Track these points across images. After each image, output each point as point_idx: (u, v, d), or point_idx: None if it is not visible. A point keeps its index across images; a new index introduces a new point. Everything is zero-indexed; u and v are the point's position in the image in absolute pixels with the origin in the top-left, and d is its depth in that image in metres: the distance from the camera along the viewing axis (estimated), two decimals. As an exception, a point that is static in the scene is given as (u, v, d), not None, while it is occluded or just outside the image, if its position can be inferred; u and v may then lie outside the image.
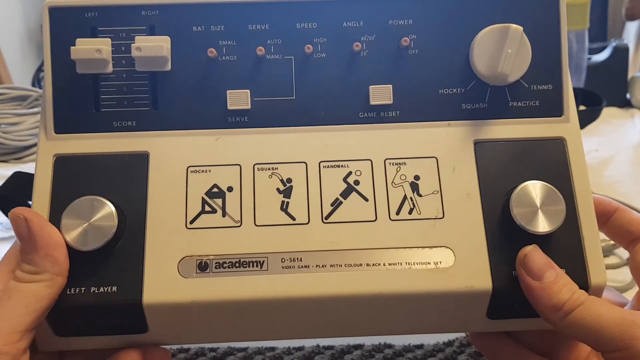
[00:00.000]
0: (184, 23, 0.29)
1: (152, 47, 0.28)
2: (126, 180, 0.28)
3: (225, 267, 0.27)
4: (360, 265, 0.27)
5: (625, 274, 0.46)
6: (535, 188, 0.27)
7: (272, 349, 0.39)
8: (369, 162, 0.29)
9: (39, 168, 0.28)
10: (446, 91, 0.29)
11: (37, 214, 0.26)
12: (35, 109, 0.75)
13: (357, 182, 0.28)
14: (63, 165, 0.28)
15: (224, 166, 0.28)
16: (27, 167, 0.68)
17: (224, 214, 0.28)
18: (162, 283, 0.26)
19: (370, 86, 0.29)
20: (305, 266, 0.27)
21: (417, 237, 0.27)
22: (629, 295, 0.32)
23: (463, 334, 0.39)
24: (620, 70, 0.83)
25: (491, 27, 0.28)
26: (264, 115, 0.29)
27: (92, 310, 0.26)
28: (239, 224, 0.27)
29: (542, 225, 0.26)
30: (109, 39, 0.29)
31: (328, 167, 0.28)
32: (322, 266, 0.27)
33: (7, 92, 0.75)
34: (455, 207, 0.28)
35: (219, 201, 0.28)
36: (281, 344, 0.39)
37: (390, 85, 0.29)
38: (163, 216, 0.27)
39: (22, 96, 0.76)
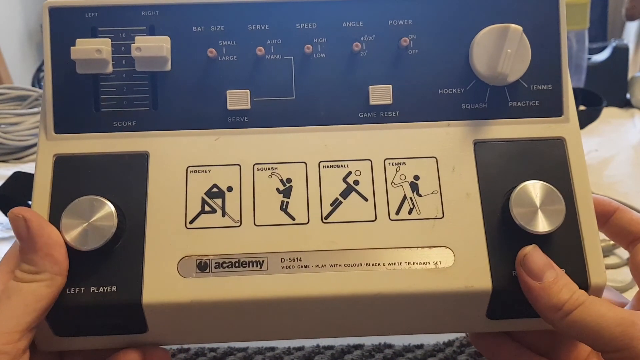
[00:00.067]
0: (183, 23, 0.29)
1: (152, 47, 0.28)
2: (126, 180, 0.28)
3: (224, 267, 0.27)
4: (360, 265, 0.27)
5: (625, 274, 0.46)
6: (535, 188, 0.27)
7: (272, 349, 0.39)
8: (369, 162, 0.29)
9: (39, 168, 0.28)
10: (446, 91, 0.29)
11: (36, 213, 0.26)
12: (35, 109, 0.75)
13: (356, 182, 0.28)
14: (63, 165, 0.28)
15: (223, 166, 0.28)
16: (27, 167, 0.68)
17: (223, 214, 0.28)
18: (162, 283, 0.26)
19: (370, 86, 0.29)
20: (305, 266, 0.27)
21: (417, 237, 0.27)
22: (629, 295, 0.32)
23: (463, 334, 0.39)
24: (620, 70, 0.83)
25: (491, 27, 0.28)
26: (263, 115, 0.29)
27: (92, 310, 0.26)
28: (238, 224, 0.27)
29: (542, 225, 0.26)
30: (109, 39, 0.29)
31: (328, 167, 0.28)
32: (322, 266, 0.27)
33: (7, 92, 0.75)
34: (455, 207, 0.28)
35: (219, 201, 0.28)
36: (281, 344, 0.39)
37: (390, 85, 0.29)
38: (163, 216, 0.27)
39: (22, 96, 0.76)
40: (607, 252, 0.48)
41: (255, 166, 0.28)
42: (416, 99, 0.29)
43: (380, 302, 0.27)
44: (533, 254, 0.26)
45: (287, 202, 0.28)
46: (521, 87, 0.29)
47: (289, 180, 0.28)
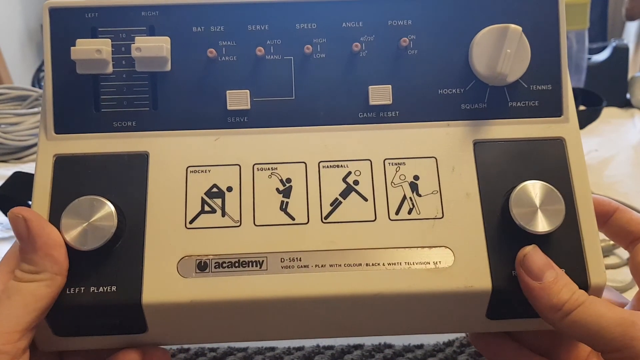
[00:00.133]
0: (183, 23, 0.29)
1: (152, 47, 0.28)
2: (126, 180, 0.28)
3: (224, 267, 0.27)
4: (360, 265, 0.27)
5: (625, 274, 0.46)
6: (534, 188, 0.27)
7: (272, 349, 0.39)
8: (369, 162, 0.29)
9: (39, 168, 0.28)
10: (445, 91, 0.29)
11: (36, 213, 0.26)
12: (35, 109, 0.75)
13: (356, 182, 0.28)
14: (63, 165, 0.28)
15: (223, 166, 0.28)
16: (27, 167, 0.68)
17: (223, 214, 0.28)
18: (162, 283, 0.26)
19: (370, 86, 0.29)
20: (305, 266, 0.27)
21: (417, 237, 0.27)
22: (629, 295, 0.32)
23: (463, 334, 0.39)
24: (620, 70, 0.83)
25: (490, 27, 0.28)
26: (263, 115, 0.29)
27: (92, 310, 0.26)
28: (238, 224, 0.27)
29: (542, 225, 0.26)
30: (109, 40, 0.29)
31: (327, 167, 0.28)
32: (322, 266, 0.27)
33: (7, 92, 0.75)
34: (455, 207, 0.28)
35: (219, 201, 0.28)
36: (281, 344, 0.39)
37: (390, 86, 0.29)
38: (162, 216, 0.27)
39: (22, 96, 0.76)
40: (607, 252, 0.48)
41: (255, 166, 0.28)
42: (416, 99, 0.29)
43: (380, 302, 0.27)
44: (533, 254, 0.26)
45: (287, 202, 0.28)
46: (521, 87, 0.29)
47: (288, 180, 0.28)
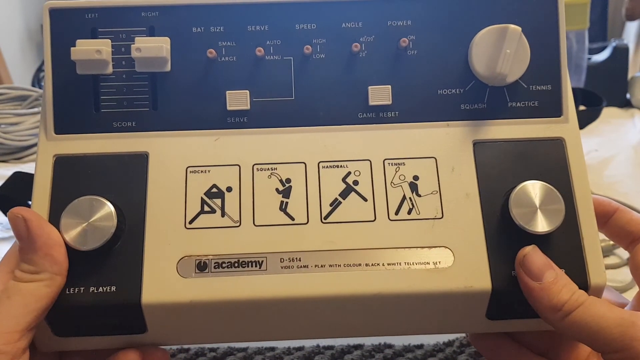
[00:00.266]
0: (183, 24, 0.29)
1: (152, 48, 0.28)
2: (126, 180, 0.28)
3: (224, 267, 0.27)
4: (359, 265, 0.27)
5: (625, 274, 0.46)
6: (534, 188, 0.27)
7: (272, 349, 0.39)
8: (368, 162, 0.29)
9: (39, 168, 0.28)
10: (445, 92, 0.29)
11: (35, 213, 0.26)
12: (35, 109, 0.75)
13: (356, 182, 0.28)
14: (63, 165, 0.28)
15: (223, 166, 0.28)
16: (27, 167, 0.69)
17: (223, 214, 0.28)
18: (161, 283, 0.26)
19: (370, 87, 0.29)
20: (304, 266, 0.27)
21: (416, 237, 0.27)
22: (629, 296, 0.32)
23: (463, 334, 0.39)
24: (620, 70, 0.83)
25: (490, 27, 0.28)
26: (263, 115, 0.29)
27: (91, 310, 0.26)
28: (238, 224, 0.27)
29: (542, 225, 0.26)
30: (109, 40, 0.29)
31: (327, 167, 0.28)
32: (321, 266, 0.27)
33: (7, 92, 0.75)
34: (455, 207, 0.28)
35: (218, 201, 0.28)
36: (281, 344, 0.39)
37: (389, 86, 0.29)
38: (162, 216, 0.27)
39: (22, 96, 0.76)
40: (607, 252, 0.48)
41: (255, 166, 0.28)
42: (415, 100, 0.29)
43: (379, 302, 0.27)
44: (532, 255, 0.26)
45: (287, 202, 0.28)
46: (520, 87, 0.29)
47: (288, 180, 0.28)
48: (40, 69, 1.06)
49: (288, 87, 0.29)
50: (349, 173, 0.28)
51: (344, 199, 0.28)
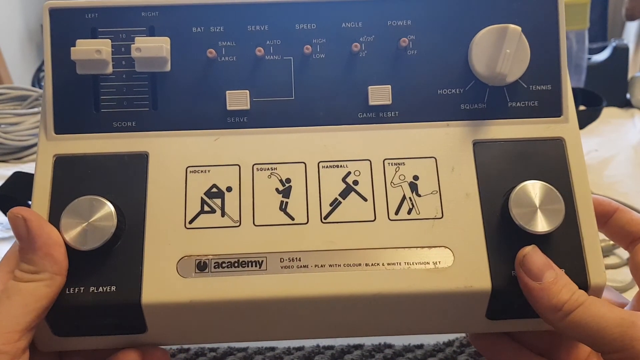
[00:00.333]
0: (183, 24, 0.29)
1: (152, 47, 0.28)
2: (125, 180, 0.28)
3: (224, 267, 0.27)
4: (359, 265, 0.27)
5: (625, 274, 0.46)
6: (534, 188, 0.27)
7: (272, 349, 0.39)
8: (368, 162, 0.29)
9: (39, 168, 0.28)
10: (445, 91, 0.29)
11: (35, 213, 0.26)
12: (35, 109, 0.75)
13: (356, 182, 0.28)
14: (63, 165, 0.28)
15: (223, 166, 0.28)
16: (27, 167, 0.69)
17: (223, 214, 0.28)
18: (161, 283, 0.26)
19: (369, 86, 0.29)
20: (304, 266, 0.27)
21: (416, 237, 0.27)
22: (629, 295, 0.32)
23: (463, 334, 0.39)
24: (620, 70, 0.83)
25: (490, 27, 0.28)
26: (263, 115, 0.29)
27: (91, 310, 0.26)
28: (238, 224, 0.27)
29: (541, 225, 0.26)
30: (109, 40, 0.29)
31: (327, 167, 0.28)
32: (321, 266, 0.27)
33: (7, 92, 0.75)
34: (454, 207, 0.28)
35: (218, 201, 0.28)
36: (281, 344, 0.39)
37: (389, 86, 0.29)
38: (162, 216, 0.27)
39: (22, 96, 0.76)
40: (607, 252, 0.48)
41: (255, 166, 0.28)
42: (415, 100, 0.29)
43: (379, 302, 0.27)
44: (532, 255, 0.26)
45: (287, 202, 0.28)
46: (520, 87, 0.29)
47: (288, 180, 0.28)
48: (40, 69, 1.06)
49: (288, 87, 0.29)
50: (349, 173, 0.28)
51: (343, 199, 0.28)
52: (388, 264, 0.27)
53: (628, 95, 0.84)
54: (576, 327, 0.24)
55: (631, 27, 1.00)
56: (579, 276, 0.27)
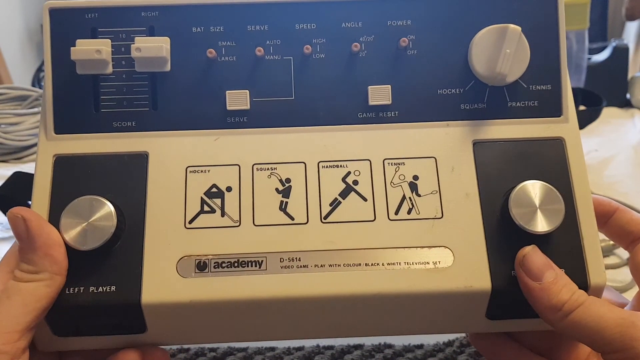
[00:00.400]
0: (183, 24, 0.29)
1: (152, 47, 0.28)
2: (125, 180, 0.28)
3: (224, 267, 0.27)
4: (359, 265, 0.27)
5: (625, 274, 0.46)
6: (534, 188, 0.27)
7: (272, 349, 0.39)
8: (368, 162, 0.29)
9: (39, 168, 0.28)
10: (445, 91, 0.29)
11: (35, 213, 0.26)
12: (35, 109, 0.75)
13: (355, 182, 0.28)
14: (63, 165, 0.28)
15: (223, 166, 0.28)
16: (27, 167, 0.69)
17: (222, 214, 0.28)
18: (161, 283, 0.26)
19: (369, 86, 0.29)
20: (304, 266, 0.27)
21: (416, 237, 0.27)
22: (629, 295, 0.32)
23: (463, 334, 0.39)
24: (620, 70, 0.83)
25: (489, 27, 0.28)
26: (263, 115, 0.29)
27: (91, 310, 0.26)
28: (237, 224, 0.27)
29: (541, 225, 0.26)
30: (109, 40, 0.29)
31: (327, 167, 0.28)
32: (321, 266, 0.27)
33: (7, 92, 0.75)
34: (454, 207, 0.28)
35: (218, 201, 0.28)
36: (281, 344, 0.39)
37: (389, 86, 0.29)
38: (162, 216, 0.27)
39: (22, 96, 0.76)
40: (607, 252, 0.48)
41: (255, 166, 0.28)
42: (415, 99, 0.29)
43: (379, 302, 0.27)
44: (532, 255, 0.26)
45: (286, 202, 0.28)
46: (520, 87, 0.29)
47: (288, 180, 0.28)
48: (40, 69, 1.06)
49: (288, 87, 0.29)
50: (349, 173, 0.28)
51: (343, 199, 0.28)
52: (388, 264, 0.27)
53: (628, 95, 0.84)
54: (576, 327, 0.24)
55: (631, 27, 1.00)
56: (579, 276, 0.27)
